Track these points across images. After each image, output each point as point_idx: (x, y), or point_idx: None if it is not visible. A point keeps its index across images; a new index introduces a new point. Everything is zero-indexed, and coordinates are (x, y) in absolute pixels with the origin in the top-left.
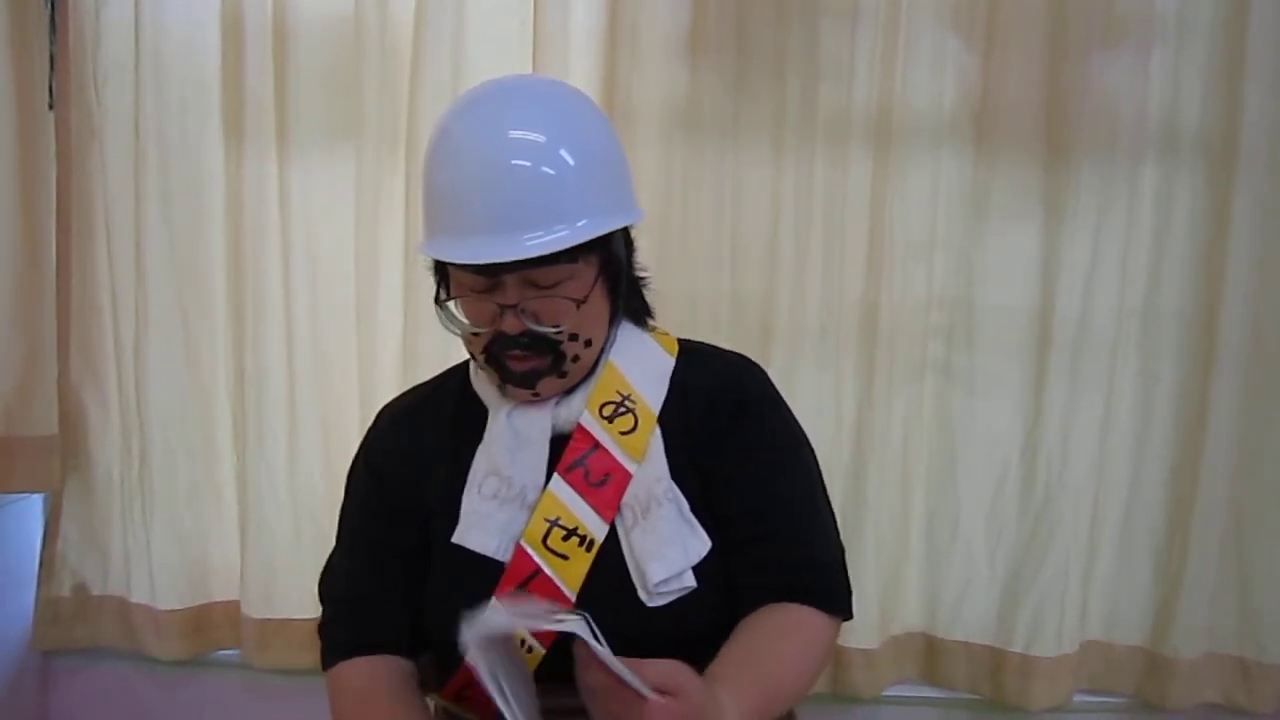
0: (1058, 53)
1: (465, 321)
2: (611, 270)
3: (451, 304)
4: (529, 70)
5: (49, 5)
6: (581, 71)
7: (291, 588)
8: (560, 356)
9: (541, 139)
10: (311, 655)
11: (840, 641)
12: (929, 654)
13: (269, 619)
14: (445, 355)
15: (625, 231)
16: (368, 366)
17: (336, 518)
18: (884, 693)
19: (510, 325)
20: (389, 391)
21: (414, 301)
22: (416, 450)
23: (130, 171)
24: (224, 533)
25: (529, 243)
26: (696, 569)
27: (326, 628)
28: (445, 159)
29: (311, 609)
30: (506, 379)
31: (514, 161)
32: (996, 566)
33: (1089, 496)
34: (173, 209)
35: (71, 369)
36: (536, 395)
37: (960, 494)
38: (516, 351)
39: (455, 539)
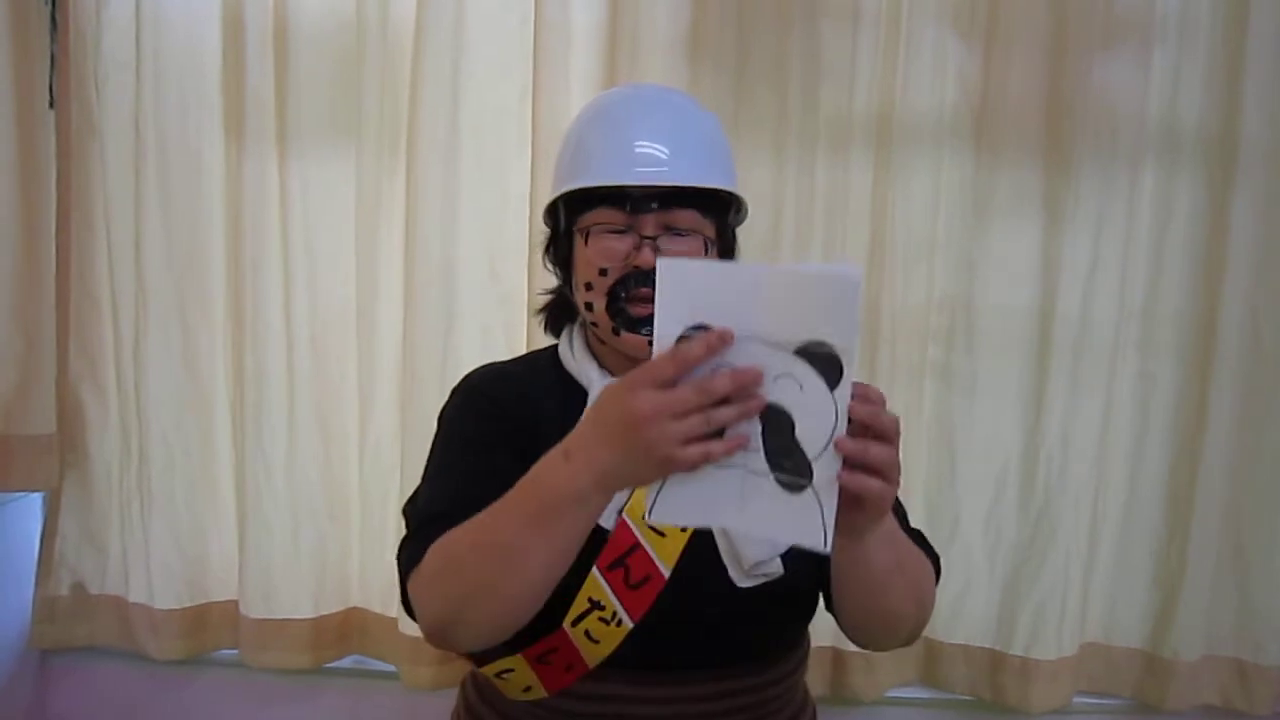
0: (1058, 54)
1: (595, 260)
2: (724, 243)
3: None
4: (529, 69)
5: (50, 4)
6: (581, 71)
7: (289, 588)
8: None
9: (698, 106)
10: (309, 655)
11: (840, 645)
12: (928, 656)
13: (267, 619)
14: (444, 355)
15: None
16: (367, 366)
17: (334, 517)
18: (884, 695)
19: (645, 260)
20: (388, 391)
21: (413, 300)
22: (523, 401)
23: (130, 170)
24: (222, 532)
25: (691, 173)
26: (783, 558)
27: (413, 538)
28: (614, 112)
29: (309, 609)
30: (623, 326)
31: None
32: (996, 568)
33: (1088, 498)
34: (173, 208)
35: (70, 367)
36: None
37: (960, 495)
38: (644, 290)
39: None
